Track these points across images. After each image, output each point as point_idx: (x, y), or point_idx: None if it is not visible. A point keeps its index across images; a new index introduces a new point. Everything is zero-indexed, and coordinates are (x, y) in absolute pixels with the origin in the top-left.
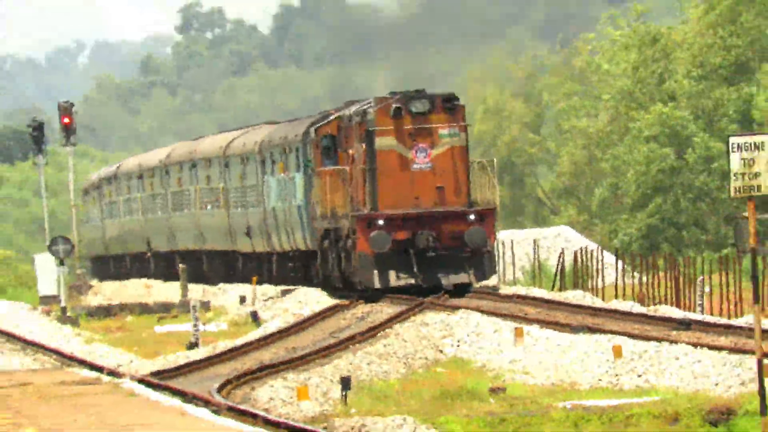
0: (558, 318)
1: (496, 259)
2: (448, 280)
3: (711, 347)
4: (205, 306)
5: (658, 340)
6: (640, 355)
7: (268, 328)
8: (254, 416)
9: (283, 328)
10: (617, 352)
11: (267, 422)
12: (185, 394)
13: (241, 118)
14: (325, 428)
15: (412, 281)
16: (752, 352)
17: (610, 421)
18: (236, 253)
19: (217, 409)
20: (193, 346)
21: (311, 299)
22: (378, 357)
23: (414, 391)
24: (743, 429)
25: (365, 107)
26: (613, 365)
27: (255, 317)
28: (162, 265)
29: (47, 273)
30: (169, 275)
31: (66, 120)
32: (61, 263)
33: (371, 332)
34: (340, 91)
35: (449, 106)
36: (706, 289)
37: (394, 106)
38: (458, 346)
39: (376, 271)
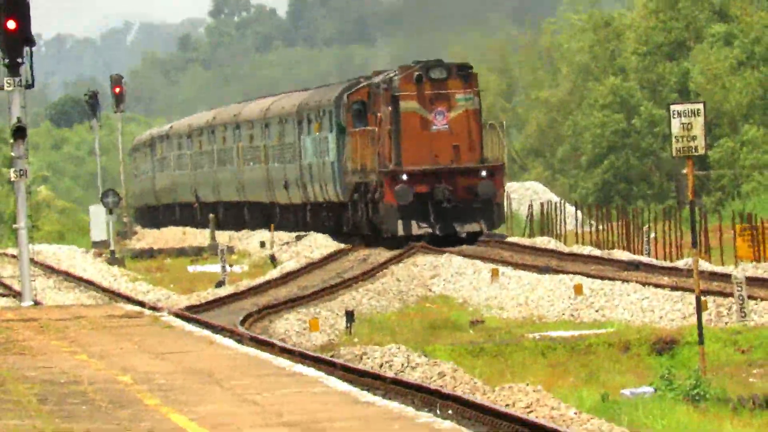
0: (527, 260)
1: None
2: (462, 228)
3: (656, 285)
4: (231, 250)
5: (612, 279)
6: (597, 293)
7: (284, 268)
8: (272, 345)
9: (296, 269)
10: (578, 289)
11: (283, 350)
12: (214, 326)
13: (264, 89)
14: (332, 355)
15: (430, 230)
16: (691, 290)
17: (572, 349)
18: (274, 204)
19: (240, 339)
20: (220, 284)
21: (320, 244)
22: (377, 294)
23: (407, 323)
24: (684, 356)
25: (391, 75)
26: (575, 301)
27: (273, 259)
28: (207, 213)
29: (99, 221)
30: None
31: (117, 90)
32: (110, 212)
33: (371, 272)
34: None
35: (464, 73)
36: (652, 235)
37: (416, 73)
38: (444, 284)
39: (400, 221)
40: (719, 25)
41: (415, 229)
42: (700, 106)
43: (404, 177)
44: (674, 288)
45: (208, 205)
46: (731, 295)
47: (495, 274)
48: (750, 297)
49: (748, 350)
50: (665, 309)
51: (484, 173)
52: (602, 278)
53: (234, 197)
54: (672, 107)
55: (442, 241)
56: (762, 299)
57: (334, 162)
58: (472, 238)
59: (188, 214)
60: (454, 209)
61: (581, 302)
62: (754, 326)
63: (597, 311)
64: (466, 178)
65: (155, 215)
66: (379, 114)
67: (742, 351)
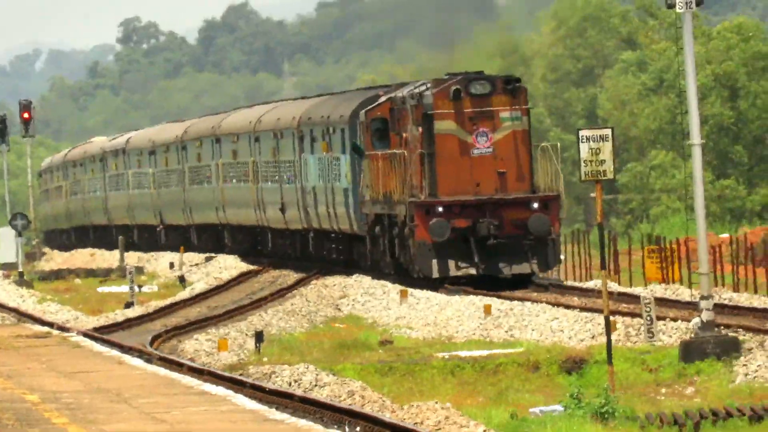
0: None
1: None
2: (510, 269)
3: (566, 306)
4: (140, 271)
5: (522, 300)
6: (506, 313)
7: (194, 289)
8: (180, 365)
9: (206, 290)
10: (487, 310)
11: (192, 369)
12: (123, 346)
13: (173, 114)
14: (241, 374)
15: (473, 271)
16: (600, 311)
17: (482, 368)
18: (265, 227)
19: (149, 359)
20: (129, 305)
21: (230, 265)
22: (286, 314)
23: (316, 343)
24: (593, 376)
25: (421, 89)
26: (484, 321)
27: (182, 280)
28: (173, 236)
29: (8, 243)
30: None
31: (25, 115)
32: (19, 235)
33: (280, 293)
34: (254, 94)
35: (511, 87)
36: (562, 257)
37: (453, 88)
38: (353, 305)
39: (435, 260)
40: (629, 53)
41: (454, 270)
42: (608, 131)
43: (440, 209)
44: (583, 309)
45: (177, 228)
46: (640, 315)
47: (404, 294)
48: (658, 317)
49: (655, 370)
50: (575, 329)
51: (535, 205)
52: (511, 299)
53: (211, 219)
54: (581, 132)
55: (487, 284)
56: (670, 320)
57: (348, 188)
58: (523, 281)
59: (150, 237)
60: (500, 247)
61: (490, 322)
62: (661, 346)
63: (506, 331)
64: (515, 211)
65: (105, 236)
66: (405, 134)
67: (650, 370)
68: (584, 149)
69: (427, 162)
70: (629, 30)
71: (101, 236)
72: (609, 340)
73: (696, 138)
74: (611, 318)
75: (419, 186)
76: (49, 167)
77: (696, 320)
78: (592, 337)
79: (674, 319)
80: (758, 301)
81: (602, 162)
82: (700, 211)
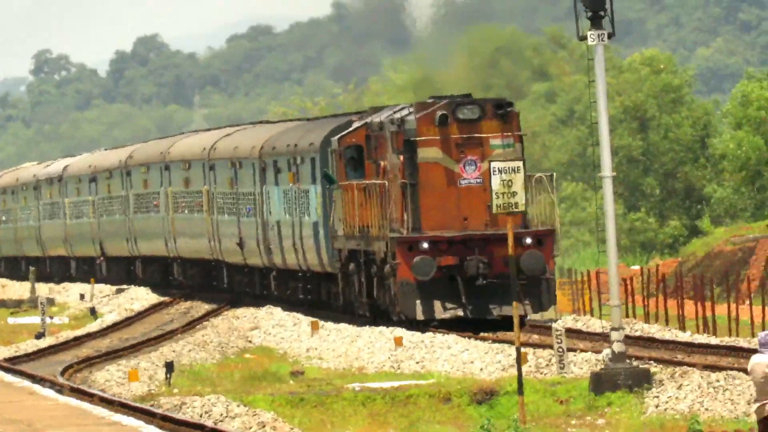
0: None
1: None
2: (501, 311)
3: (477, 338)
4: (51, 302)
5: (433, 332)
6: (417, 345)
7: (105, 321)
8: (91, 395)
9: (117, 321)
10: (398, 341)
11: (102, 400)
12: (34, 376)
13: (85, 146)
14: (152, 405)
15: (460, 313)
16: (512, 342)
17: (393, 400)
18: (221, 262)
19: (60, 389)
20: (40, 335)
21: (141, 296)
22: (197, 345)
23: (227, 374)
24: (504, 407)
25: (403, 114)
26: (395, 353)
27: (93, 312)
28: (116, 269)
29: None
30: (127, 279)
31: None
32: None
33: (191, 325)
34: (165, 125)
35: (502, 112)
36: None
37: (439, 113)
38: (264, 336)
39: (418, 301)
40: (540, 84)
41: (439, 312)
42: (520, 164)
43: (425, 246)
44: (495, 340)
45: (121, 260)
46: (551, 347)
47: (315, 326)
48: (569, 349)
49: (566, 401)
50: (486, 361)
51: (529, 240)
52: (422, 331)
53: (160, 251)
54: (492, 164)
55: (477, 327)
56: (581, 351)
57: (318, 222)
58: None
59: (88, 268)
60: (490, 287)
61: (401, 354)
62: (572, 378)
63: (417, 363)
64: (506, 248)
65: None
66: (383, 163)
67: (560, 402)
68: (496, 181)
69: (409, 193)
70: (541, 62)
71: (11, 267)
72: (520, 372)
73: (607, 170)
74: (522, 349)
75: (400, 219)
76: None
77: (607, 351)
78: (503, 369)
79: (585, 351)
80: (669, 333)
81: (514, 194)
82: (611, 243)
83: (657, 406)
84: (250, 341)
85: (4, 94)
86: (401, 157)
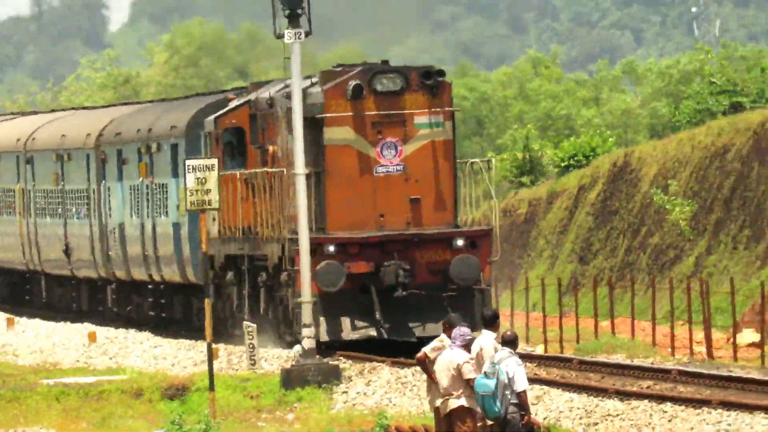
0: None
1: None
2: (423, 329)
3: (169, 334)
4: None
5: (127, 328)
6: (111, 341)
7: None
8: None
9: None
10: (92, 337)
11: None
12: None
13: None
14: None
15: (373, 332)
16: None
17: (86, 395)
18: (38, 273)
19: None
20: None
21: None
22: None
23: None
24: (195, 402)
25: (306, 85)
26: (88, 349)
27: None
28: None
29: None
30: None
31: None
32: None
33: None
34: None
35: (431, 83)
36: None
37: (352, 83)
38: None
39: (323, 318)
40: (240, 82)
41: (348, 332)
42: (214, 161)
43: (331, 249)
44: (186, 337)
45: None
46: (243, 344)
47: (11, 322)
48: (261, 345)
49: (257, 396)
50: (178, 357)
51: (460, 243)
52: (117, 327)
53: None
54: (187, 162)
55: (396, 348)
56: (272, 347)
57: (179, 224)
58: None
59: None
60: (412, 300)
61: (95, 350)
62: (263, 373)
63: (111, 358)
64: (432, 251)
65: None
66: (272, 147)
67: (251, 397)
68: (191, 179)
69: (313, 184)
70: (243, 60)
71: None
72: (211, 368)
73: (300, 168)
74: (214, 345)
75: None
76: None
77: (297, 348)
78: (195, 365)
79: (276, 348)
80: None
81: (208, 191)
82: (303, 238)
83: (345, 402)
84: None
85: None
86: (301, 140)
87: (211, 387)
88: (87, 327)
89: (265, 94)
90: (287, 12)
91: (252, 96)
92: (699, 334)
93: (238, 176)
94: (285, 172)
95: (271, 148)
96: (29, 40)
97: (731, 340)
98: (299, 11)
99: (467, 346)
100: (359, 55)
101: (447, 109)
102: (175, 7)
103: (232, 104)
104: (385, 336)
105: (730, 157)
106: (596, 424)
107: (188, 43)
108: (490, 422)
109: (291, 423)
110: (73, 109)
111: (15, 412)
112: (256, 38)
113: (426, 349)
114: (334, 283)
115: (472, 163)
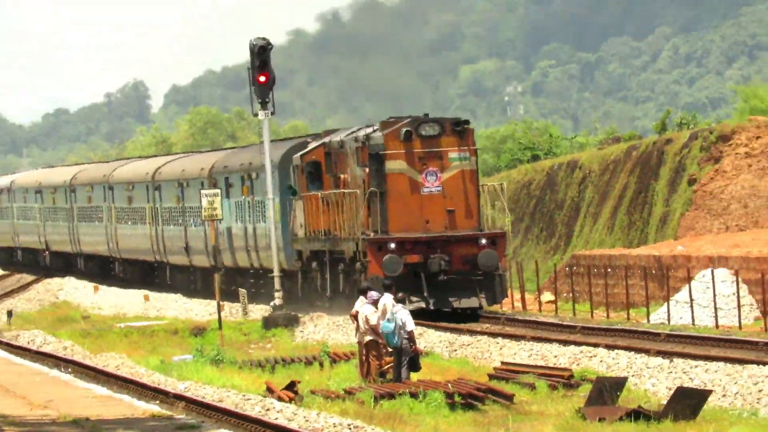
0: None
1: None
2: (459, 303)
3: (196, 298)
4: None
5: (166, 293)
6: (158, 299)
7: None
8: None
9: None
10: (146, 298)
11: None
12: None
13: None
14: None
15: (423, 305)
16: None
17: (143, 333)
18: (164, 263)
19: None
20: None
21: None
22: (26, 300)
23: (44, 317)
24: (210, 338)
25: (368, 132)
26: (144, 305)
27: None
28: (58, 262)
29: None
30: (68, 271)
31: None
32: None
33: (24, 287)
34: None
35: (459, 129)
36: None
37: (404, 129)
38: (66, 295)
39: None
40: (230, 144)
41: (405, 304)
42: (218, 191)
43: (392, 245)
44: (205, 297)
45: (60, 254)
46: (239, 301)
47: (96, 289)
48: (250, 303)
49: (248, 334)
50: (200, 310)
51: (483, 241)
52: (159, 292)
53: (100, 251)
54: (202, 192)
55: (438, 317)
56: (257, 304)
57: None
58: (472, 314)
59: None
60: (450, 282)
61: (149, 305)
62: (252, 320)
63: (158, 311)
64: (464, 247)
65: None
66: (343, 175)
67: (244, 334)
68: (204, 201)
69: (379, 200)
70: (233, 128)
71: None
72: (219, 317)
73: (270, 193)
74: (221, 303)
75: (365, 223)
76: None
77: (273, 303)
78: (210, 314)
79: (259, 303)
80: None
81: (215, 209)
82: (271, 232)
83: (302, 337)
84: (57, 298)
85: None
86: (367, 170)
87: (220, 328)
88: (143, 292)
89: (336, 138)
90: (260, 101)
91: (326, 139)
92: (518, 295)
93: (320, 196)
94: (357, 193)
95: (342, 176)
96: (102, 116)
97: (537, 299)
98: (267, 100)
99: (374, 304)
100: (305, 127)
101: (471, 147)
102: (191, 97)
103: (311, 146)
104: (431, 307)
105: (533, 188)
106: (455, 350)
107: (199, 119)
108: (391, 350)
109: (269, 349)
110: (185, 153)
111: (100, 343)
112: (241, 116)
113: (355, 308)
114: (395, 270)
115: (490, 185)
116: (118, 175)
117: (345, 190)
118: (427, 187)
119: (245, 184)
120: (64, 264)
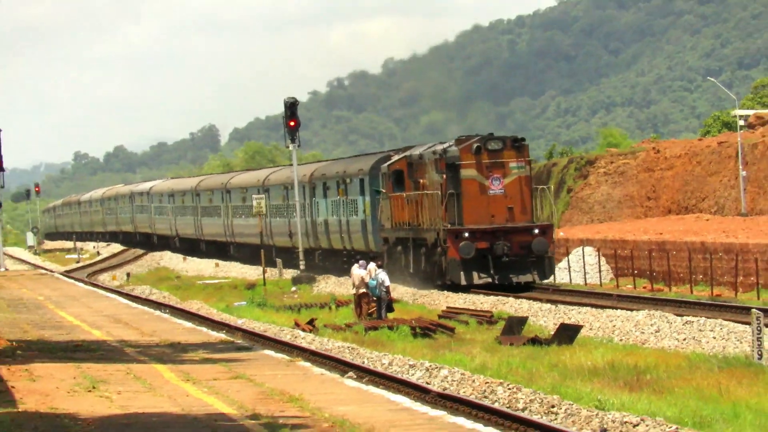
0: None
1: None
2: (518, 278)
3: (251, 264)
4: (80, 249)
5: (230, 261)
6: (226, 266)
7: (102, 255)
8: (97, 285)
9: (107, 256)
10: (217, 265)
11: (101, 287)
12: (75, 278)
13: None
14: (120, 289)
15: (489, 280)
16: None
17: (214, 287)
18: (270, 246)
19: (85, 282)
20: (78, 262)
21: (115, 246)
22: (139, 266)
23: (151, 277)
24: (258, 290)
25: (444, 146)
26: (216, 269)
27: (98, 254)
28: (185, 245)
29: (29, 237)
30: (193, 252)
31: None
32: (34, 234)
33: (139, 257)
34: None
35: (517, 145)
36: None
37: (475, 145)
38: (162, 262)
39: (462, 272)
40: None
41: (476, 279)
42: (263, 196)
43: (467, 234)
44: (253, 265)
45: (186, 239)
46: (275, 267)
47: (185, 259)
48: (284, 267)
49: (282, 288)
50: (253, 272)
51: (536, 231)
52: (226, 261)
53: (218, 237)
54: (254, 197)
55: (500, 289)
56: (290, 268)
57: (365, 220)
58: (526, 287)
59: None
60: (511, 262)
61: (219, 269)
62: (285, 278)
63: (225, 273)
64: (521, 236)
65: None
66: (422, 181)
67: (280, 288)
68: (255, 202)
69: (455, 200)
70: (273, 156)
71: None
72: (264, 277)
73: (298, 196)
74: (266, 268)
75: (443, 217)
76: (55, 206)
77: (301, 268)
78: (258, 275)
79: (291, 268)
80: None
81: (261, 207)
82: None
83: (317, 290)
84: (159, 264)
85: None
86: (444, 176)
87: (264, 284)
88: (214, 261)
89: (416, 152)
90: (290, 138)
91: (408, 153)
92: None
93: (404, 196)
94: (437, 194)
95: (421, 180)
96: (188, 147)
97: None
98: (295, 138)
99: (365, 268)
100: (320, 155)
101: (526, 159)
102: (245, 135)
103: (395, 158)
104: (496, 282)
105: None
106: (417, 299)
107: (250, 150)
108: (374, 298)
109: (297, 299)
110: (286, 165)
111: (187, 294)
112: (277, 148)
113: (352, 271)
114: (468, 254)
115: (540, 188)
116: (234, 182)
117: (426, 192)
118: (493, 190)
119: (340, 187)
120: (190, 247)
